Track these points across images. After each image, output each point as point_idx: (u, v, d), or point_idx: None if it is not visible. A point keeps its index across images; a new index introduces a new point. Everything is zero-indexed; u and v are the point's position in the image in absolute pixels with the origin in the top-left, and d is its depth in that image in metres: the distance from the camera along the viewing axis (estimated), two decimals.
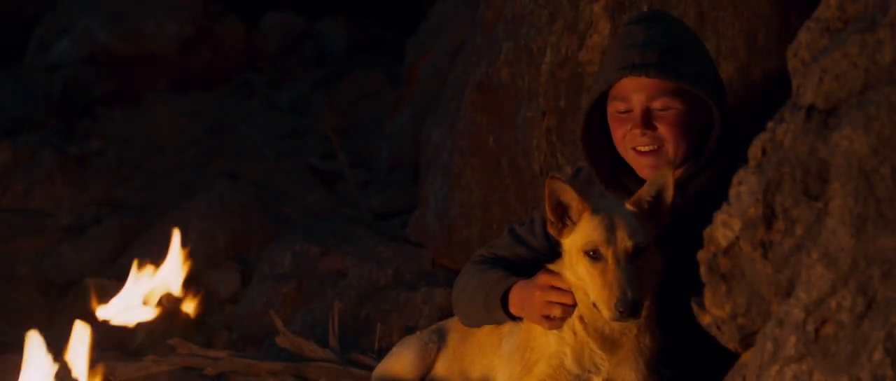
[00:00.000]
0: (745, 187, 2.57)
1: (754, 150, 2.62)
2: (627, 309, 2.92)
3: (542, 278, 3.15)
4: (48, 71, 8.82)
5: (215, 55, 9.15)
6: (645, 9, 3.98)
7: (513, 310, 3.25)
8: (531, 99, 4.38)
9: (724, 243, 2.60)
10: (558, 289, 3.11)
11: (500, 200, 4.65)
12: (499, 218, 4.64)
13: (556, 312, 3.11)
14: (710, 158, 3.30)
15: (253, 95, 8.95)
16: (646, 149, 3.28)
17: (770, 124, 2.61)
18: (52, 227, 6.56)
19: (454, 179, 4.90)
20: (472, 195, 4.80)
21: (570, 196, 3.06)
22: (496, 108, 4.66)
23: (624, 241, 2.98)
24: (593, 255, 2.99)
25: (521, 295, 3.22)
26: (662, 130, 3.25)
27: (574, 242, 3.04)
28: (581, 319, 3.10)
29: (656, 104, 3.25)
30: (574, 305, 3.10)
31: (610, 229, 2.99)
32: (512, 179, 4.55)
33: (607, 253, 2.98)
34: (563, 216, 3.08)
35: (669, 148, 3.27)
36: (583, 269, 3.01)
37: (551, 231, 3.11)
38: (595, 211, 3.04)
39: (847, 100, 2.48)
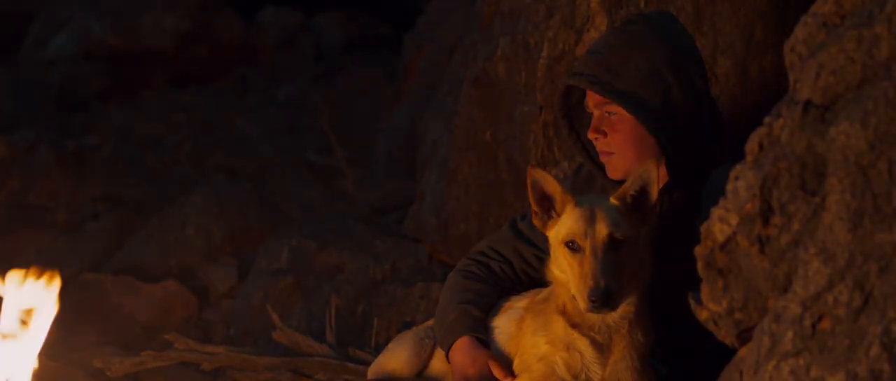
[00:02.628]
0: (742, 182, 2.57)
1: (751, 145, 2.61)
2: (600, 299, 2.92)
3: (491, 368, 3.18)
4: (45, 66, 8.81)
5: (212, 50, 9.14)
6: (642, 5, 3.98)
7: (451, 358, 3.31)
8: (528, 94, 4.38)
9: (721, 238, 2.60)
10: None
11: (496, 195, 4.65)
12: (496, 213, 4.64)
13: None
14: (702, 161, 3.29)
15: (250, 90, 8.95)
16: (605, 152, 3.31)
17: (767, 119, 2.61)
18: (50, 222, 6.56)
19: (451, 174, 4.90)
20: (469, 191, 4.80)
21: (554, 188, 3.06)
22: (493, 103, 4.66)
23: (602, 232, 2.97)
24: (573, 246, 3.00)
25: (455, 357, 3.27)
26: (611, 135, 3.28)
27: (557, 233, 3.05)
28: (573, 324, 3.09)
29: (608, 109, 3.28)
30: None
31: (589, 221, 2.99)
32: (509, 175, 4.55)
33: (585, 244, 2.98)
34: (549, 209, 3.09)
35: (619, 152, 3.29)
36: (564, 260, 3.02)
37: (536, 223, 3.12)
38: (578, 204, 3.04)
39: (844, 95, 2.48)
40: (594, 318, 3.05)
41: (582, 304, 2.96)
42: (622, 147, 3.27)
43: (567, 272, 3.01)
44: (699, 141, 3.27)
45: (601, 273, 2.93)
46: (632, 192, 3.04)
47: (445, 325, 3.33)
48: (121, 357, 4.57)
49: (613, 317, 3.04)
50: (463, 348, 3.25)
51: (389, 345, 3.61)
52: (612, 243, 2.97)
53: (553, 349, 3.08)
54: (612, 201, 3.04)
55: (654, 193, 3.03)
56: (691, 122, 3.26)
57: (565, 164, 4.09)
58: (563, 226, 3.03)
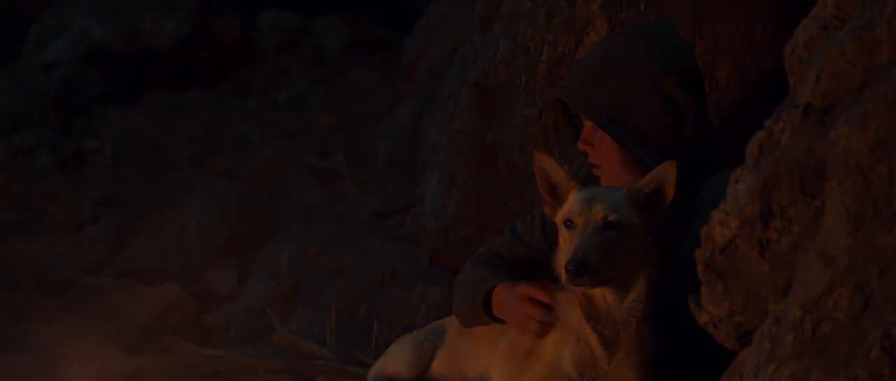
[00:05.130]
0: (742, 186, 2.57)
1: (751, 148, 2.62)
2: (575, 269, 2.92)
3: (523, 288, 3.14)
4: (45, 69, 8.81)
5: (213, 53, 9.14)
6: (642, 8, 3.98)
7: (495, 311, 3.25)
8: (528, 97, 4.38)
9: (721, 241, 2.60)
10: (537, 302, 3.12)
11: (497, 198, 4.65)
12: (496, 217, 4.63)
13: (533, 327, 3.12)
14: (688, 173, 3.28)
15: (250, 93, 8.95)
16: (593, 164, 3.33)
17: (767, 123, 2.61)
18: (50, 225, 6.56)
19: (451, 177, 4.90)
20: (470, 194, 4.80)
21: (559, 176, 3.10)
22: (493, 106, 4.66)
23: (597, 212, 3.00)
24: (569, 225, 3.03)
25: (502, 299, 3.21)
26: (597, 147, 3.31)
27: (560, 217, 3.07)
28: (586, 316, 3.10)
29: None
30: (552, 321, 3.11)
31: (588, 202, 3.02)
32: (509, 178, 4.55)
33: (579, 221, 3.00)
34: (558, 197, 3.11)
35: (605, 164, 3.30)
36: (561, 240, 3.05)
37: (546, 211, 3.14)
38: (582, 188, 3.08)
39: (844, 98, 2.48)
40: (602, 308, 3.06)
41: (561, 275, 2.98)
42: (608, 159, 3.29)
43: (562, 251, 3.04)
44: (683, 154, 3.25)
45: (582, 246, 2.95)
46: (646, 189, 3.05)
47: (474, 287, 3.28)
48: (121, 360, 4.57)
49: (621, 312, 3.05)
50: (505, 289, 3.20)
51: (390, 348, 3.61)
52: (606, 225, 2.99)
53: (563, 339, 3.10)
54: (625, 190, 3.06)
55: (669, 193, 3.04)
56: (672, 137, 3.25)
57: (566, 167, 4.10)
58: (565, 208, 3.07)
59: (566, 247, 3.03)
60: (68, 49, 8.88)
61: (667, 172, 3.04)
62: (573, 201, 3.06)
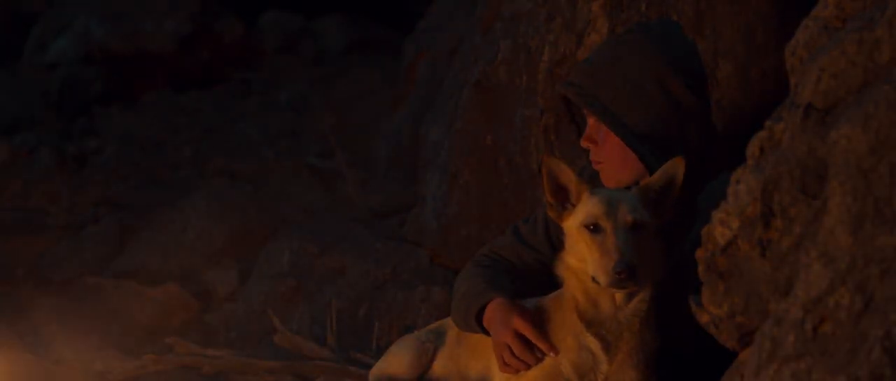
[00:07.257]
0: (743, 186, 2.57)
1: (752, 148, 2.62)
2: (625, 271, 2.92)
3: (517, 322, 3.14)
4: (46, 70, 8.81)
5: (213, 54, 9.14)
6: (643, 8, 3.98)
7: (485, 324, 3.25)
8: (529, 98, 4.39)
9: (722, 241, 2.60)
10: (525, 343, 3.12)
11: (497, 199, 4.65)
12: (497, 217, 4.64)
13: (507, 359, 3.14)
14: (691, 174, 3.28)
15: (251, 93, 8.94)
16: (596, 161, 3.32)
17: (768, 123, 2.61)
18: (50, 225, 6.56)
19: (452, 178, 4.90)
20: (470, 194, 4.80)
21: (569, 178, 3.08)
22: (494, 106, 4.66)
23: (625, 215, 3.00)
24: (593, 228, 3.01)
25: (494, 315, 3.21)
26: (601, 144, 3.31)
27: (575, 220, 3.05)
28: (586, 322, 3.09)
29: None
30: (535, 363, 3.12)
31: (611, 205, 3.02)
32: (510, 179, 4.55)
33: (607, 225, 2.99)
34: (564, 200, 3.09)
35: (608, 161, 3.30)
36: (583, 245, 3.01)
37: (551, 214, 3.12)
38: (594, 191, 3.07)
39: (845, 98, 2.48)
40: (608, 313, 3.05)
41: (605, 278, 2.95)
42: (611, 157, 3.29)
43: (586, 255, 3.01)
44: (687, 154, 3.25)
45: (624, 248, 2.95)
46: (657, 186, 3.05)
47: (470, 298, 3.28)
48: (122, 361, 4.57)
49: (625, 313, 3.05)
50: (500, 306, 3.20)
51: (391, 349, 3.61)
52: (634, 226, 2.99)
53: (563, 344, 3.09)
54: (635, 190, 3.06)
55: (677, 189, 3.05)
56: (676, 136, 3.26)
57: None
58: (582, 211, 3.05)
59: (594, 251, 2.99)
60: (69, 49, 8.88)
61: (676, 168, 3.05)
62: (594, 203, 3.03)
